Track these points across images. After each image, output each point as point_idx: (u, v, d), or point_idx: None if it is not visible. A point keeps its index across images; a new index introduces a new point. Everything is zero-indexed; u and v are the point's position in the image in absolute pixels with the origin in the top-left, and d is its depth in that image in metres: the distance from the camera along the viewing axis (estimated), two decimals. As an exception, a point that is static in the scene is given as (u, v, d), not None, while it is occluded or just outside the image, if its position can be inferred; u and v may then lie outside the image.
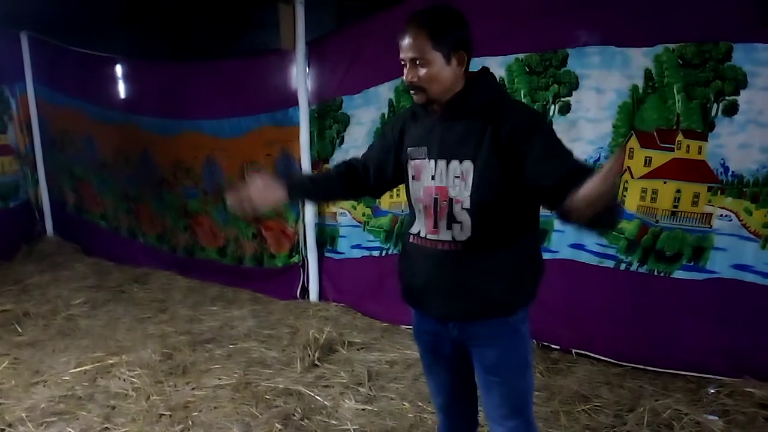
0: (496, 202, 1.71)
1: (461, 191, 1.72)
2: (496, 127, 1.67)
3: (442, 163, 1.75)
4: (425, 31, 1.68)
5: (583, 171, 1.47)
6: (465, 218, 1.74)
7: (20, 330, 4.26)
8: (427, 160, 1.78)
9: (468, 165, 1.70)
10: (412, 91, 1.77)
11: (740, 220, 3.14)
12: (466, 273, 1.74)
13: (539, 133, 1.65)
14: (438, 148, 1.76)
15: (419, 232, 1.85)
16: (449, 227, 1.76)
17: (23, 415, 3.11)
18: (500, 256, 1.74)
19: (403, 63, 1.74)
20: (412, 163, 1.84)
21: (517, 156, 1.64)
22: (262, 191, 1.92)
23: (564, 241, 3.54)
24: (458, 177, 1.72)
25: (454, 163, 1.73)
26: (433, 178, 1.77)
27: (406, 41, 1.71)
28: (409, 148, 1.85)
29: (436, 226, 1.79)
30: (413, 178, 1.84)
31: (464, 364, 1.94)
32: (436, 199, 1.77)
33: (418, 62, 1.69)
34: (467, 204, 1.72)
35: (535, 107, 3.50)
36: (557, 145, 1.66)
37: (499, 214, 1.72)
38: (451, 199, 1.74)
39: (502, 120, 1.67)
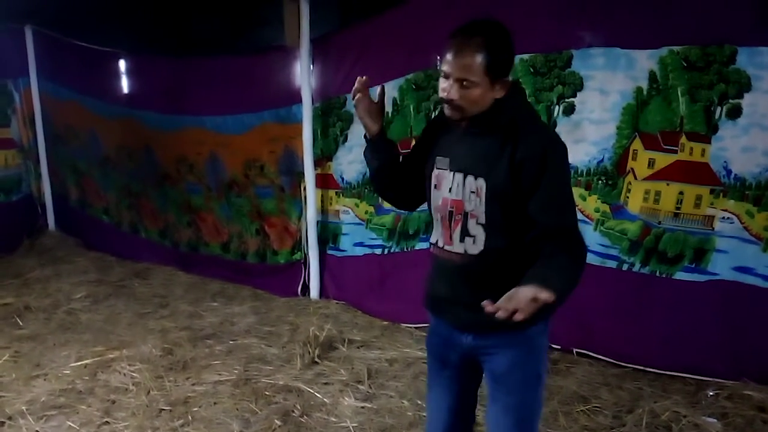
0: (506, 218, 1.70)
1: (477, 206, 1.72)
2: (514, 149, 1.66)
3: (459, 176, 1.75)
4: (481, 56, 1.62)
5: (556, 237, 1.64)
6: (479, 233, 1.73)
7: (21, 323, 4.28)
8: (448, 171, 1.78)
9: (482, 182, 1.70)
10: (446, 105, 1.71)
11: (742, 223, 3.14)
12: (481, 287, 1.70)
13: (548, 174, 1.64)
14: (458, 162, 1.76)
15: (437, 241, 1.85)
16: (462, 240, 1.76)
17: (23, 408, 3.12)
18: (515, 270, 1.67)
19: (444, 75, 1.68)
20: (435, 172, 1.83)
21: (523, 185, 1.65)
22: (374, 107, 1.88)
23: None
24: (474, 192, 1.72)
25: (470, 178, 1.72)
26: (450, 190, 1.77)
27: (458, 60, 1.64)
28: (437, 157, 1.83)
29: (450, 238, 1.79)
30: (435, 187, 1.83)
31: (468, 380, 1.93)
32: (450, 212, 1.77)
33: (464, 83, 1.64)
34: (482, 219, 1.72)
35: (540, 107, 3.51)
36: (559, 192, 1.69)
37: (513, 230, 1.70)
38: (466, 213, 1.74)
39: (520, 143, 1.65)
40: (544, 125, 1.95)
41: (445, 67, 1.67)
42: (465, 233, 1.75)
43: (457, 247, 1.77)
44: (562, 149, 1.72)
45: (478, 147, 1.73)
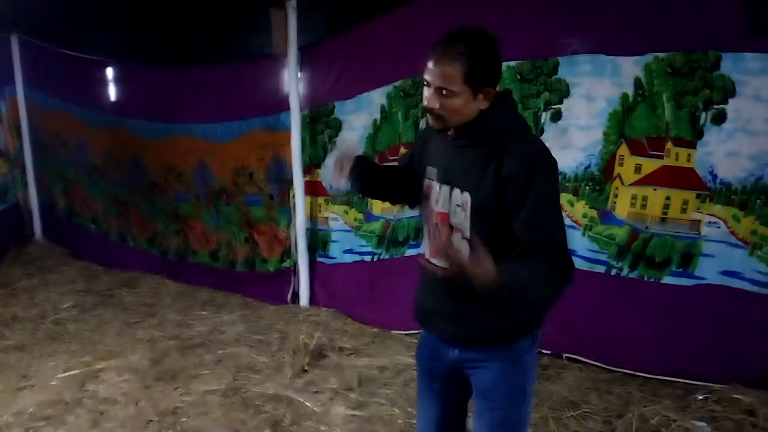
0: (494, 234, 1.65)
1: (462, 220, 1.69)
2: (500, 163, 1.61)
3: (446, 189, 1.72)
4: (460, 65, 1.58)
5: (539, 252, 1.59)
6: (463, 247, 1.69)
7: (7, 334, 4.24)
8: (435, 182, 1.76)
9: (467, 196, 1.67)
10: (429, 116, 1.69)
11: (728, 227, 3.16)
12: (465, 301, 1.70)
13: (534, 191, 1.59)
14: (444, 174, 1.73)
15: (425, 252, 1.84)
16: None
17: (10, 419, 3.09)
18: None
19: (426, 83, 1.65)
20: (426, 182, 1.81)
21: (508, 201, 1.61)
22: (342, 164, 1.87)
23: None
24: (459, 206, 1.69)
25: (456, 192, 1.70)
26: (437, 202, 1.75)
27: (437, 68, 1.60)
28: (428, 167, 1.81)
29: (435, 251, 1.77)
30: (424, 197, 1.82)
31: (457, 393, 1.92)
32: (436, 224, 1.76)
33: (444, 92, 1.61)
34: (467, 234, 1.69)
35: (527, 113, 3.53)
36: (546, 209, 1.62)
37: (497, 245, 1.64)
38: (452, 227, 1.72)
39: (506, 158, 1.61)
40: (533, 139, 1.85)
41: (426, 75, 1.64)
42: None
43: (442, 261, 1.73)
44: (550, 165, 1.67)
45: (464, 159, 1.70)
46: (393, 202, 2.10)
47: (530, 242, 1.60)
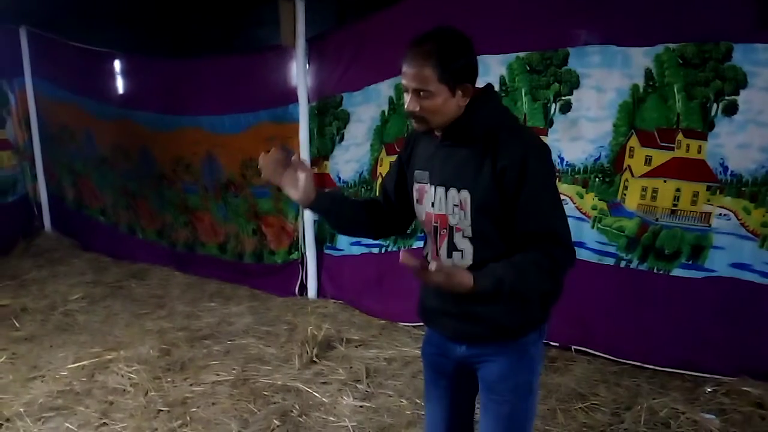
0: (496, 230, 1.65)
1: (461, 220, 1.67)
2: (494, 157, 1.61)
3: (441, 190, 1.71)
4: (431, 63, 1.59)
5: (538, 239, 1.59)
6: (466, 246, 1.68)
7: (18, 325, 4.27)
8: (428, 184, 1.74)
9: (465, 194, 1.65)
10: (412, 119, 1.69)
11: (739, 219, 3.14)
12: (470, 299, 1.65)
13: (530, 180, 1.59)
14: (438, 175, 1.72)
15: (428, 254, 1.82)
16: (450, 255, 1.72)
17: (21, 410, 3.11)
18: None
19: (404, 89, 1.66)
20: (416, 186, 1.80)
21: (507, 194, 1.61)
22: (299, 179, 1.78)
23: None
24: (457, 205, 1.68)
25: (453, 192, 1.68)
26: (432, 204, 1.73)
27: (411, 70, 1.62)
28: (415, 171, 1.80)
29: (438, 252, 1.75)
30: (417, 201, 1.80)
31: (465, 389, 1.91)
32: (435, 227, 1.74)
33: (421, 93, 1.61)
34: (468, 233, 1.68)
35: (537, 104, 3.51)
36: (544, 197, 1.63)
37: (501, 241, 1.66)
38: (451, 227, 1.70)
39: (500, 151, 1.61)
40: (523, 129, 1.84)
41: (403, 80, 1.65)
42: (452, 248, 1.71)
43: (445, 263, 1.71)
44: (543, 152, 1.67)
45: (456, 158, 1.69)
46: (375, 236, 2.05)
47: (527, 231, 1.60)
